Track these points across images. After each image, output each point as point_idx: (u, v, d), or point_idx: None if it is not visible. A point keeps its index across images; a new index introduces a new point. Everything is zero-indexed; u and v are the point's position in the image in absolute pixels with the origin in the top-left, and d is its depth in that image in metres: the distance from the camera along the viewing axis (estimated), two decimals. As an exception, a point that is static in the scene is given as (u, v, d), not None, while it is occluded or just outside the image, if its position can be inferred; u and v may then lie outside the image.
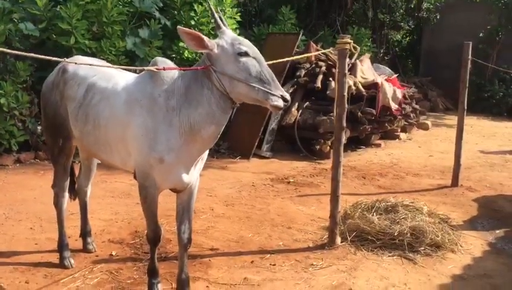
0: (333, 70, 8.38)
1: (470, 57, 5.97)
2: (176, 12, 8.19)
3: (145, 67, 2.90)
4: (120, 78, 3.23)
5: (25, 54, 2.36)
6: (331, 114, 7.76)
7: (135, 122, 2.97)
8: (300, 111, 8.19)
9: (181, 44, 7.77)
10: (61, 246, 3.80)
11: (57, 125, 3.48)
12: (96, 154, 3.39)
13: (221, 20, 2.89)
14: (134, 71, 3.21)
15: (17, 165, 6.70)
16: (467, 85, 6.06)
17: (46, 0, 6.82)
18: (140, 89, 3.02)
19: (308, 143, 7.96)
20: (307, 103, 8.35)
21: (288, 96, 2.79)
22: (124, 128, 3.04)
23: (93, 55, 6.91)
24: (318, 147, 7.78)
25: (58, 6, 6.86)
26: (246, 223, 4.87)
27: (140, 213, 4.79)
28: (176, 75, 2.97)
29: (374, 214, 4.53)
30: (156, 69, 2.82)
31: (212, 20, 8.11)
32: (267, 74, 2.77)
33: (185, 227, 3.24)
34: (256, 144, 7.78)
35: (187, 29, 2.72)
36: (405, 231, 4.23)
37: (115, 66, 3.14)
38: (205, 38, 2.73)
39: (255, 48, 2.83)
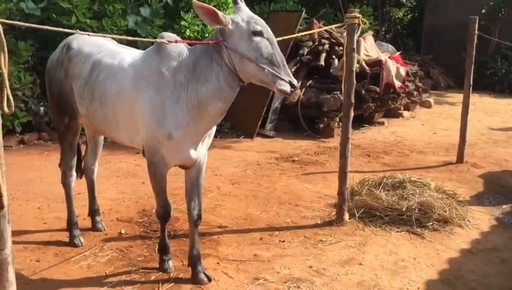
0: (336, 48, 8.34)
1: (476, 32, 5.91)
2: (177, -10, 8.08)
3: (157, 40, 2.85)
4: (126, 54, 3.19)
5: (35, 26, 2.33)
6: (335, 92, 7.74)
7: (142, 99, 2.95)
8: (303, 90, 8.14)
9: (183, 23, 7.69)
10: (71, 224, 3.80)
11: (62, 103, 3.45)
12: (104, 131, 3.37)
13: None
14: (146, 44, 3.17)
15: (21, 146, 6.68)
16: (473, 61, 6.00)
17: (47, -21, 6.73)
18: (147, 65, 2.99)
19: (312, 122, 7.93)
20: (310, 81, 8.30)
21: (296, 83, 2.79)
22: (131, 105, 3.02)
23: (94, 34, 6.84)
24: (322, 125, 7.74)
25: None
26: (253, 201, 4.88)
27: (146, 192, 4.83)
28: (183, 50, 2.93)
29: (382, 190, 4.54)
30: (168, 41, 2.77)
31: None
32: (278, 57, 2.74)
33: (195, 203, 3.24)
34: (259, 123, 7.74)
35: (202, 3, 2.67)
36: (413, 207, 4.23)
37: (125, 36, 3.10)
38: (220, 13, 2.69)
39: (269, 29, 2.79)
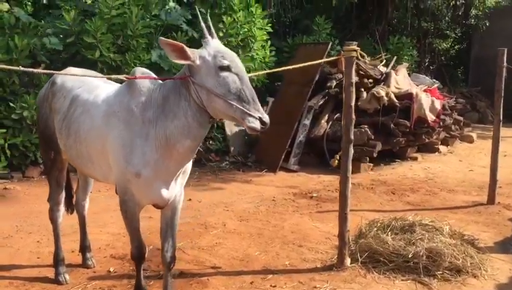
0: (365, 80, 8.09)
1: (505, 64, 5.54)
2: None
3: (123, 76, 2.79)
4: (102, 89, 3.14)
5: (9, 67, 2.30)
6: (362, 126, 7.46)
7: (113, 135, 2.86)
8: (330, 123, 7.90)
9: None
10: (57, 261, 3.72)
11: (47, 139, 3.44)
12: (80, 167, 3.31)
13: (209, 29, 2.74)
14: (115, 80, 3.12)
15: (43, 177, 6.79)
16: (502, 95, 5.63)
17: (75, 15, 6.94)
18: (118, 101, 2.91)
19: (338, 156, 7.65)
20: (338, 114, 8.04)
21: (267, 119, 2.59)
22: (103, 141, 2.94)
23: (117, 67, 6.97)
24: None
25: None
26: (256, 240, 4.66)
27: (150, 228, 4.72)
28: (153, 86, 2.84)
29: (389, 233, 4.20)
30: (126, 78, 2.70)
31: (239, 31, 7.95)
32: (247, 92, 2.58)
33: (168, 245, 3.10)
34: (283, 157, 7.55)
35: (169, 40, 2.61)
36: (421, 253, 3.87)
37: (100, 75, 3.11)
38: (188, 49, 2.60)
39: (239, 63, 2.65)
